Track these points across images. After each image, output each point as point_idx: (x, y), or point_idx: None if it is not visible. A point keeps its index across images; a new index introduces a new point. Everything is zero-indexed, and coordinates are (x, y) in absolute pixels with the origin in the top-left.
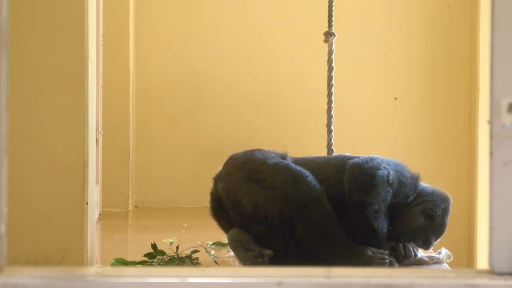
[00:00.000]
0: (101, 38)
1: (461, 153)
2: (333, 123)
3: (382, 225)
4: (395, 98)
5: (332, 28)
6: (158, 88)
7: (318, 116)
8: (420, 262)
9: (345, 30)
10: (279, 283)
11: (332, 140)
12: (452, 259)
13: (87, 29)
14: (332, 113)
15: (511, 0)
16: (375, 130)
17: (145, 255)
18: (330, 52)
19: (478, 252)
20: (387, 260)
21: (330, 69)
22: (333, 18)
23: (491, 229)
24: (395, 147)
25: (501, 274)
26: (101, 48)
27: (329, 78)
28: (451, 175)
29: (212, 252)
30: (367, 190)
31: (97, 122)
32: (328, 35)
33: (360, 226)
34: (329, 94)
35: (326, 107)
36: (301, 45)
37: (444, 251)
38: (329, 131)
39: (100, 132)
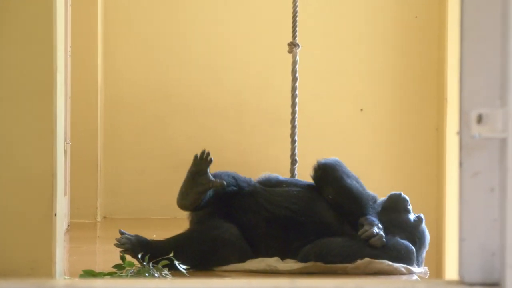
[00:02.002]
0: (69, 49)
1: (429, 164)
2: (297, 133)
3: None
4: (361, 110)
5: (296, 38)
6: (127, 98)
7: (286, 125)
8: (397, 272)
9: (313, 41)
10: None
11: (296, 150)
12: (428, 275)
13: (56, 39)
14: (296, 123)
15: (479, 12)
16: (342, 141)
17: (114, 267)
18: (294, 63)
19: (447, 263)
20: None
21: (294, 79)
22: (297, 29)
23: (461, 239)
24: (362, 158)
25: (471, 284)
26: (69, 59)
27: (293, 89)
28: (420, 186)
29: (181, 263)
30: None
31: (65, 133)
32: (292, 45)
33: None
34: (293, 105)
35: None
36: (269, 55)
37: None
38: (293, 141)
39: (68, 143)
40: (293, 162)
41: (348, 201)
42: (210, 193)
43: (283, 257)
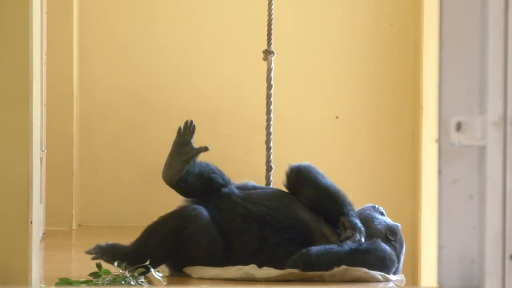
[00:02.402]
0: (44, 57)
1: (405, 171)
2: (272, 140)
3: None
4: (337, 117)
5: (271, 46)
6: (102, 106)
7: (261, 132)
8: (374, 279)
9: (288, 48)
10: None
11: (271, 157)
12: (404, 283)
13: (32, 47)
14: (271, 130)
15: (458, 20)
16: (317, 148)
17: (90, 275)
18: (269, 70)
19: (423, 270)
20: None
21: (269, 87)
22: (272, 36)
23: (440, 247)
24: (338, 166)
25: None
26: (44, 66)
27: (268, 96)
28: (395, 193)
29: (157, 271)
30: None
31: (40, 140)
32: (267, 53)
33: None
34: (268, 112)
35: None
36: (244, 62)
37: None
38: (268, 148)
39: (44, 151)
40: (268, 169)
41: (326, 199)
42: (195, 169)
43: (259, 253)
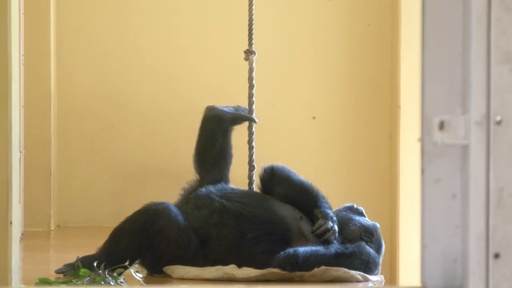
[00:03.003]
0: (22, 57)
1: (383, 171)
2: (254, 139)
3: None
4: (314, 117)
5: (253, 46)
6: (80, 107)
7: (241, 132)
8: (353, 279)
9: (266, 48)
10: None
11: (254, 157)
12: (383, 283)
13: (10, 48)
14: (254, 130)
15: (440, 19)
16: (296, 148)
17: (70, 275)
18: (250, 70)
19: (401, 270)
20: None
21: (251, 86)
22: (253, 36)
23: (423, 246)
24: (315, 166)
25: None
26: (22, 67)
27: (250, 96)
28: (373, 193)
29: (137, 272)
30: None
31: (19, 141)
32: (249, 53)
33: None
34: (250, 112)
35: (248, 124)
36: (223, 63)
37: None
38: (250, 148)
39: (22, 152)
40: (251, 168)
41: (300, 194)
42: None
43: (237, 248)
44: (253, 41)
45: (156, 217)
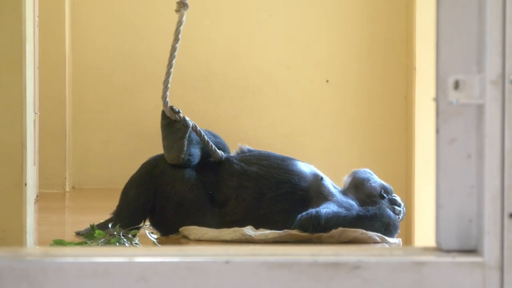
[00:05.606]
0: (36, 19)
1: (398, 133)
2: (170, 81)
3: None
4: (327, 81)
5: None
6: (95, 68)
7: (254, 94)
8: (371, 240)
9: (282, 10)
10: (227, 262)
11: (168, 93)
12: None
13: (25, 9)
14: (169, 85)
15: None
16: (311, 111)
17: (84, 236)
18: (179, 23)
19: (416, 231)
20: None
21: (176, 39)
22: None
23: (438, 206)
24: (331, 129)
25: (448, 251)
26: (37, 29)
27: (173, 49)
28: (388, 155)
29: (151, 233)
30: None
31: (33, 103)
32: (181, 4)
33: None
34: (169, 65)
35: (263, 86)
36: (236, 25)
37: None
38: (165, 89)
39: (37, 113)
40: (165, 104)
41: None
42: (192, 139)
43: (256, 209)
44: None
45: (158, 160)
